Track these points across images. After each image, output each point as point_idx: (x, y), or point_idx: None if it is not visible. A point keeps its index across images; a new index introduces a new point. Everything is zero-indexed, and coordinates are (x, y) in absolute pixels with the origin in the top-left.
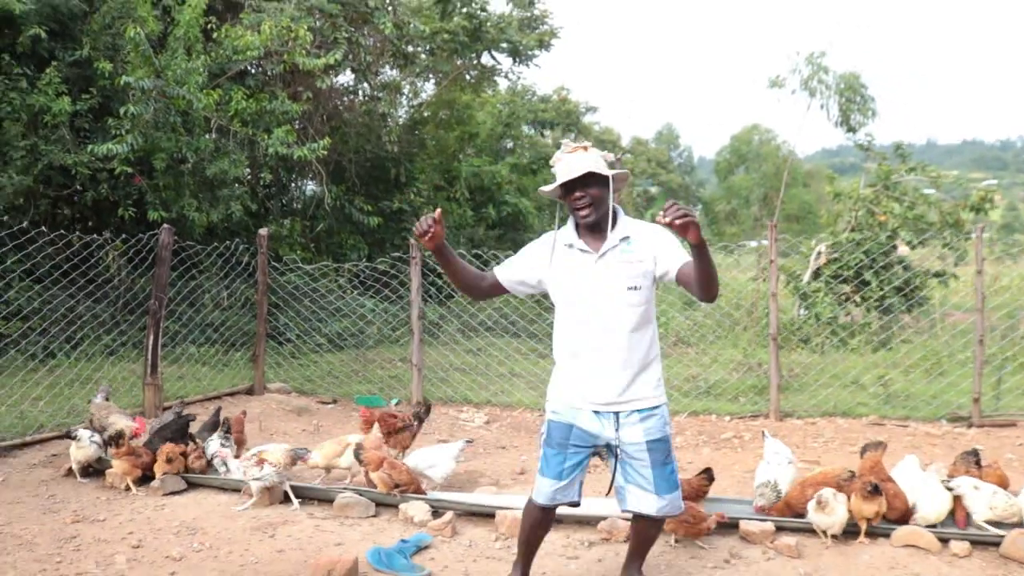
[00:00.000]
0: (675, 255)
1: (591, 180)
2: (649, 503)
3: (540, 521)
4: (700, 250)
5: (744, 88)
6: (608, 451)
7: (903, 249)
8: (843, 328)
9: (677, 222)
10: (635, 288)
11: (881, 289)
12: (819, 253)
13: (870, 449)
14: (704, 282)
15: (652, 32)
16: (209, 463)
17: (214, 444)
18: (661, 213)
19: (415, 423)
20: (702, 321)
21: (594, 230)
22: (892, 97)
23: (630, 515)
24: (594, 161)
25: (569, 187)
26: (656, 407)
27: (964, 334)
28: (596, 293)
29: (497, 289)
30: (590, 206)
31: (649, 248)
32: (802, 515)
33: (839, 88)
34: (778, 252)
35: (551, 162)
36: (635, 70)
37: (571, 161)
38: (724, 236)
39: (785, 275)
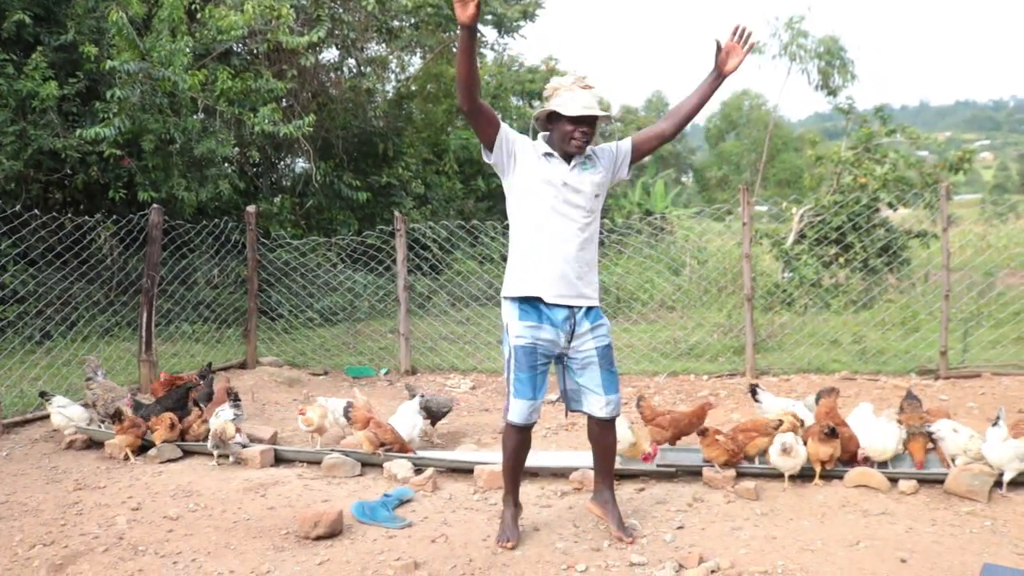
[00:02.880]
0: (624, 141)
1: (595, 120)
2: (599, 404)
3: (521, 442)
4: (722, 81)
5: None
6: (558, 362)
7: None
8: (826, 291)
9: (745, 42)
10: (598, 196)
11: (864, 251)
12: (801, 216)
13: (824, 395)
14: (692, 112)
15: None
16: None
17: (226, 413)
18: (738, 28)
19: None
20: (687, 287)
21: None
22: (882, 59)
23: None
24: (599, 103)
25: (577, 120)
26: (599, 311)
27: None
28: (569, 195)
29: (488, 117)
30: (586, 143)
31: (603, 160)
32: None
33: (818, 52)
34: (753, 216)
35: (555, 84)
36: (622, 37)
37: (587, 98)
38: (715, 202)
39: (769, 240)
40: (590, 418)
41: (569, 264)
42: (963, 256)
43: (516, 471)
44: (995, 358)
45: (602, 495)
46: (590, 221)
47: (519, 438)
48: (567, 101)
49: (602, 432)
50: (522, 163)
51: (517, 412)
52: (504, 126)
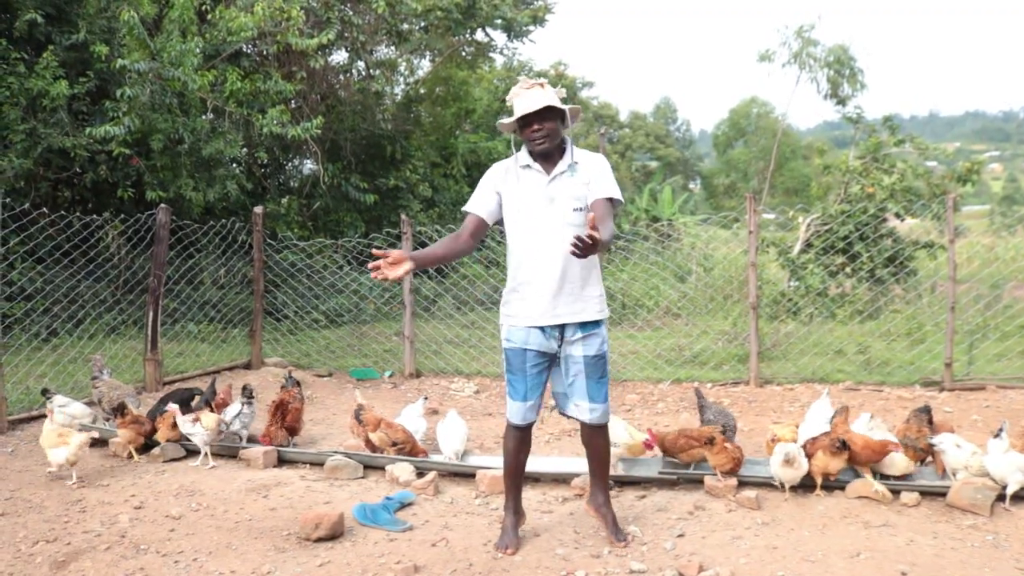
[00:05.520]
0: (600, 188)
1: (547, 114)
2: (584, 411)
3: (520, 441)
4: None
5: (742, 61)
6: (554, 360)
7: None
8: (832, 300)
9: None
10: (579, 209)
11: (871, 261)
12: (808, 225)
13: (838, 414)
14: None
15: (649, 4)
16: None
17: (234, 408)
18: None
19: None
20: (692, 295)
21: (547, 158)
22: (891, 68)
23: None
24: (550, 96)
25: (527, 120)
26: (597, 322)
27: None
28: (545, 209)
29: (480, 227)
30: (545, 137)
31: (589, 174)
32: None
33: (827, 61)
34: (760, 224)
35: (508, 97)
36: (632, 43)
37: (529, 96)
38: (722, 210)
39: (775, 248)
40: (581, 423)
41: (553, 285)
42: (970, 268)
43: (516, 475)
44: (1000, 371)
45: (595, 498)
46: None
47: (518, 437)
48: (515, 107)
49: (591, 435)
50: (505, 196)
51: (513, 412)
52: (483, 210)
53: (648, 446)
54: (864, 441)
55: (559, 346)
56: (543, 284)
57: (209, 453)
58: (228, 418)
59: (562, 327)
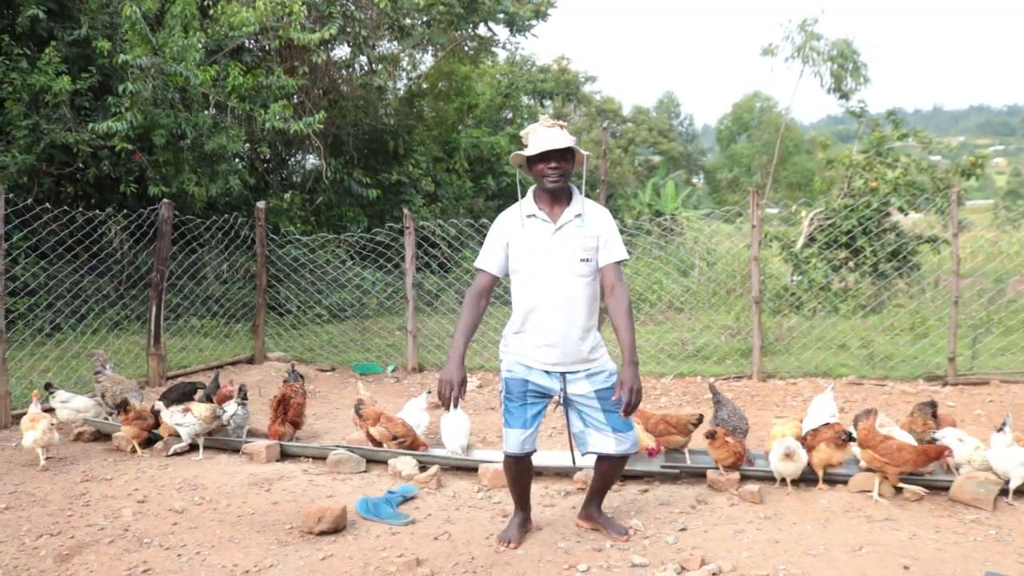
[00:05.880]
0: (610, 252)
1: (565, 154)
2: (608, 443)
3: (520, 469)
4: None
5: (745, 55)
6: (563, 400)
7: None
8: (835, 295)
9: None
10: (586, 260)
11: (874, 255)
12: (811, 219)
13: (862, 418)
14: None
15: None
16: (223, 424)
17: (230, 409)
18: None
19: None
20: (695, 289)
21: (553, 201)
22: (895, 62)
23: (593, 456)
24: (570, 138)
25: (544, 157)
26: (599, 369)
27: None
28: (551, 260)
29: (493, 283)
30: (560, 176)
31: (598, 228)
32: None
33: (831, 55)
34: (763, 218)
35: (524, 131)
36: (635, 37)
37: (550, 134)
38: (726, 204)
39: (779, 242)
40: (603, 456)
41: (556, 334)
42: (974, 262)
43: (522, 494)
44: (1004, 365)
45: (588, 509)
46: (584, 285)
47: (517, 467)
48: (532, 143)
49: (612, 466)
50: (512, 245)
51: (511, 442)
52: (495, 266)
53: (651, 453)
54: (918, 447)
55: (561, 387)
56: (547, 333)
57: (200, 444)
58: (225, 417)
59: (563, 374)
